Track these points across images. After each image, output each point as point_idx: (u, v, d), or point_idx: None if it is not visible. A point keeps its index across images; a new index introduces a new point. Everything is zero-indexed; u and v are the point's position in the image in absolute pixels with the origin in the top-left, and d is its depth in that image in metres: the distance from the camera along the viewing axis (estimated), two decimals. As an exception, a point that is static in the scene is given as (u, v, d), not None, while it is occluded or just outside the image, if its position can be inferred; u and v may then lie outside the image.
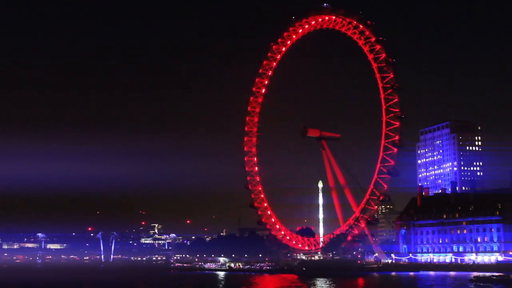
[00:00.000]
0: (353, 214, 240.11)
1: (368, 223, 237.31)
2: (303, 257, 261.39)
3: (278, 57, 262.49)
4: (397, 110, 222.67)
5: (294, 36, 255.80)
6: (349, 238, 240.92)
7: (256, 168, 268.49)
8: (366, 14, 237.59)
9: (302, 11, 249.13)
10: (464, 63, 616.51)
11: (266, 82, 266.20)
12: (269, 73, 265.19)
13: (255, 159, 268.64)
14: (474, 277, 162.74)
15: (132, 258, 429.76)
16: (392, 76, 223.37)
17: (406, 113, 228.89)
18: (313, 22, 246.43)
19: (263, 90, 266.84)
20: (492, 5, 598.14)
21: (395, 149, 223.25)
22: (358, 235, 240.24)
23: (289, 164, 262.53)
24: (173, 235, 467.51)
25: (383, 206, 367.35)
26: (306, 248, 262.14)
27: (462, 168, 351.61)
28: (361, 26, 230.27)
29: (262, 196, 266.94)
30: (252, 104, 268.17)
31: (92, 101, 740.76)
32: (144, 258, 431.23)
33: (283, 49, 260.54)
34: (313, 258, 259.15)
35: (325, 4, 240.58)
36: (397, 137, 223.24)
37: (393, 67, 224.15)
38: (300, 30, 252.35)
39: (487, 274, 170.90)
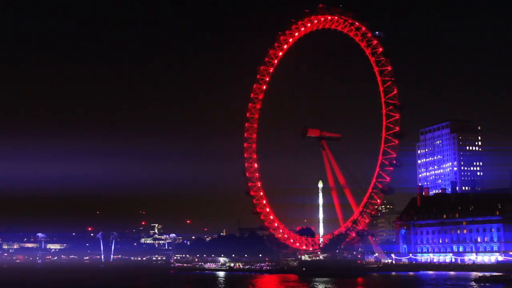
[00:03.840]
0: (351, 217, 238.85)
1: (372, 217, 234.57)
2: (303, 257, 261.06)
3: (285, 47, 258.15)
4: (396, 102, 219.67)
5: (302, 29, 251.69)
6: (348, 238, 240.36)
7: (257, 174, 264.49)
8: (368, 14, 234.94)
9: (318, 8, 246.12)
10: (464, 63, 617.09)
11: (271, 70, 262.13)
12: (275, 62, 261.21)
13: (256, 165, 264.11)
14: (479, 276, 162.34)
15: (132, 258, 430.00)
16: (390, 69, 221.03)
17: (407, 113, 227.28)
18: (322, 19, 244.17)
19: (267, 78, 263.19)
20: (493, 6, 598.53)
21: (396, 141, 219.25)
22: (356, 237, 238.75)
23: (289, 164, 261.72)
24: (173, 235, 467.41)
25: (383, 206, 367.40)
26: (304, 247, 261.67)
27: (462, 168, 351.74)
28: (363, 28, 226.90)
29: (264, 201, 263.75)
30: (256, 91, 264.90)
31: (92, 102, 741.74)
32: (144, 258, 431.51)
33: (291, 40, 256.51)
34: (313, 258, 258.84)
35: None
36: (397, 129, 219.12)
37: (391, 60, 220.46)
38: (309, 24, 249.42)
39: (490, 274, 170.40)
